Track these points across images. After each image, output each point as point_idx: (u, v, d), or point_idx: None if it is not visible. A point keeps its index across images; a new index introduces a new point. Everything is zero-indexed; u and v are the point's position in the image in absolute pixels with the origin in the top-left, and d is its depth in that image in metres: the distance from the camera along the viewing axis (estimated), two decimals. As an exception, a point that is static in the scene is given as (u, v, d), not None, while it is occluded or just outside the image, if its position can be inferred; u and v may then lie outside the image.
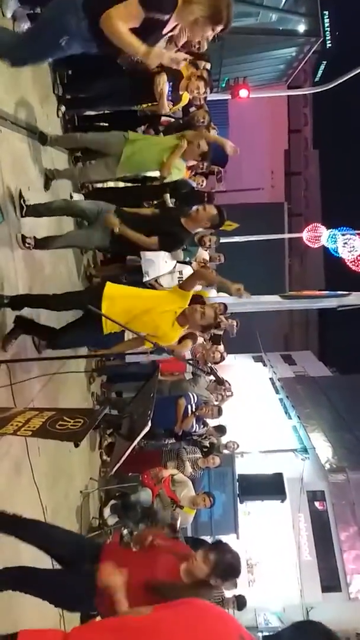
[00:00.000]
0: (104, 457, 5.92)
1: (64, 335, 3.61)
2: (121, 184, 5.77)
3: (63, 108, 4.93)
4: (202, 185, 6.50)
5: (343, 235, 14.74)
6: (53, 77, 4.81)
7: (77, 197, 5.10)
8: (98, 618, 2.26)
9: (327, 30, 17.72)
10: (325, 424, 14.12)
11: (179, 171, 4.71)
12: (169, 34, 2.83)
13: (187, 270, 5.62)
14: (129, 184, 5.79)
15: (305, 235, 16.59)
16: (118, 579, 2.27)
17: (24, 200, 3.78)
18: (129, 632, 1.59)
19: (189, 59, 4.18)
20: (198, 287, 4.94)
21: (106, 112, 5.38)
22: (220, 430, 7.42)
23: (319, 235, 16.09)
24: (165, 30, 2.59)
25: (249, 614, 9.23)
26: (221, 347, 6.78)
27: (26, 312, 3.64)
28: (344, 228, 15.03)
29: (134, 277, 5.49)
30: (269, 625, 9.62)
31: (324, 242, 15.95)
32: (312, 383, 17.92)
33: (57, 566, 3.21)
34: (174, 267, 5.64)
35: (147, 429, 2.58)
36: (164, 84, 4.53)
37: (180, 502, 5.23)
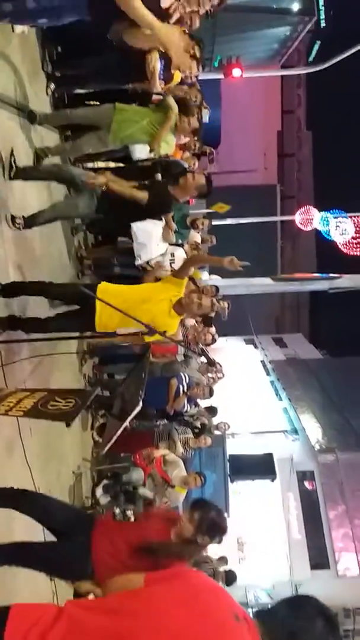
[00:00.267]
0: (96, 437, 5.96)
1: (54, 322, 3.59)
2: (112, 164, 5.71)
3: (52, 86, 4.83)
4: (194, 166, 6.45)
5: (335, 218, 14.73)
6: (42, 54, 4.71)
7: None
8: (91, 596, 2.29)
9: (321, 10, 17.41)
10: (315, 406, 14.29)
11: (167, 145, 4.67)
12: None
13: (179, 253, 5.60)
14: (120, 165, 5.73)
15: (297, 218, 16.55)
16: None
17: (14, 160, 3.72)
18: (124, 614, 1.48)
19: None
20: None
21: (96, 90, 5.30)
22: (212, 411, 7.50)
23: (311, 218, 16.07)
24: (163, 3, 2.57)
25: (239, 590, 9.43)
26: (212, 329, 6.81)
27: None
28: (336, 211, 15.01)
29: (126, 259, 5.48)
30: (259, 602, 9.85)
31: (316, 225, 15.93)
32: (303, 365, 18.07)
33: (50, 538, 3.27)
34: (166, 249, 5.62)
35: (138, 408, 2.60)
36: (155, 62, 4.46)
37: (172, 482, 5.29)
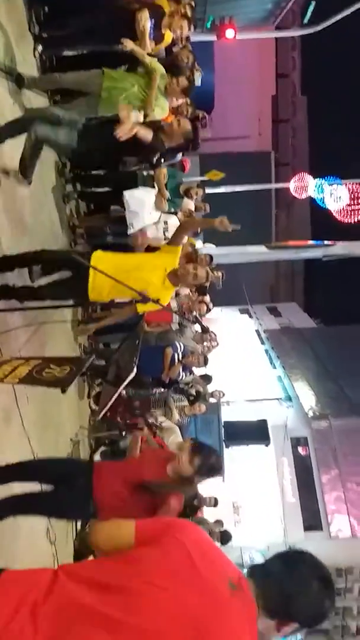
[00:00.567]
0: (93, 406, 6.03)
1: (47, 290, 3.58)
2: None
3: (40, 48, 4.69)
4: (186, 131, 6.32)
5: (330, 185, 14.56)
6: (28, 15, 4.55)
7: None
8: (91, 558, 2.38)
9: (316, -32, 16.81)
10: (309, 374, 14.44)
11: (162, 110, 4.57)
12: None
13: (173, 221, 5.56)
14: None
15: (292, 185, 16.35)
16: None
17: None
18: (115, 592, 1.37)
19: None
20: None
21: (85, 52, 5.14)
22: (206, 378, 7.58)
23: (305, 186, 15.87)
24: None
25: (234, 552, 9.73)
26: (207, 298, 6.82)
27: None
28: (331, 177, 14.83)
29: (118, 228, 5.43)
30: (254, 562, 10.17)
31: (310, 192, 15.75)
32: (297, 334, 18.18)
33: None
34: (159, 217, 5.58)
35: (132, 375, 2.63)
36: (145, 21, 4.32)
37: (168, 448, 5.39)
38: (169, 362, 6.02)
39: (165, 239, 5.19)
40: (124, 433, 5.39)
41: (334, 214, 13.79)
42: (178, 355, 6.13)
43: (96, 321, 5.25)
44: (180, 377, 6.45)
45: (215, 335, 7.59)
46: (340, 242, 9.01)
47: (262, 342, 17.28)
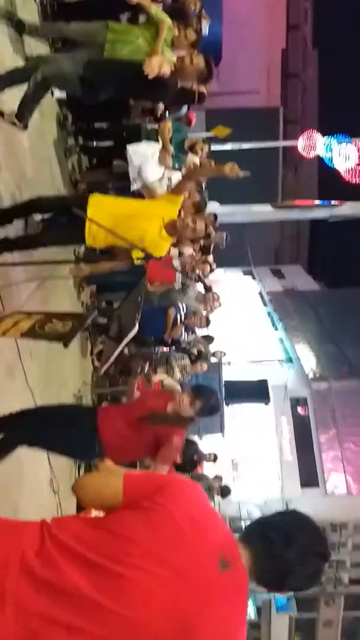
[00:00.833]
0: (96, 363, 6.09)
1: (44, 236, 3.53)
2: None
3: (40, -9, 4.48)
4: (192, 83, 6.11)
5: (339, 144, 14.15)
6: None
7: (58, 92, 4.80)
8: (94, 513, 2.45)
9: None
10: (310, 336, 14.50)
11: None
12: None
13: (177, 176, 5.43)
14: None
15: (300, 143, 15.92)
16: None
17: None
18: (101, 570, 1.30)
19: None
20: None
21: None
22: (208, 339, 7.63)
23: (314, 144, 15.44)
24: None
25: (233, 506, 10.04)
26: (210, 258, 6.77)
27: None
28: (341, 136, 14.40)
29: (121, 183, 5.33)
30: (251, 516, 10.51)
31: (319, 151, 15.34)
32: (300, 297, 18.14)
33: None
34: (163, 173, 5.46)
35: (135, 331, 2.63)
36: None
37: None
38: (172, 322, 6.04)
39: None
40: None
41: (342, 174, 13.47)
42: (181, 316, 6.13)
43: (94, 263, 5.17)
44: (183, 337, 6.49)
45: (218, 296, 7.57)
46: (347, 202, 8.84)
47: (265, 304, 17.27)
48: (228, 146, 12.64)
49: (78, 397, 5.33)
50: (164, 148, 5.24)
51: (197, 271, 6.13)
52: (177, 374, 6.21)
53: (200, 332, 7.44)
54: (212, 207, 7.22)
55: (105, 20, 4.06)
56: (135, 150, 5.10)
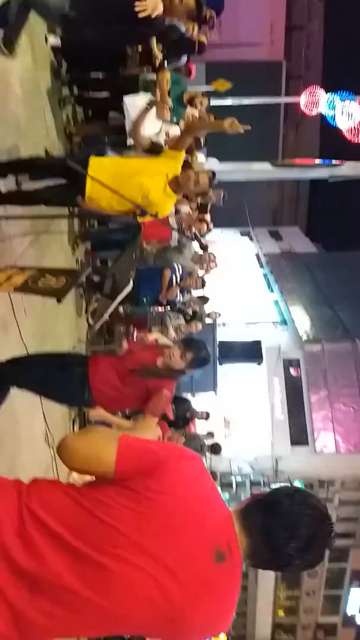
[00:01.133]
0: (90, 321, 6.09)
1: (41, 195, 3.44)
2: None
3: None
4: (192, 31, 5.86)
5: (342, 101, 13.74)
6: None
7: (53, 39, 4.60)
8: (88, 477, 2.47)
9: None
10: (305, 299, 14.51)
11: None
12: None
13: (175, 131, 5.29)
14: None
15: (302, 99, 15.45)
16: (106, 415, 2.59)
17: None
18: (83, 558, 1.21)
19: None
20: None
21: None
22: (203, 299, 7.63)
23: (317, 101, 14.99)
24: None
25: (224, 462, 10.30)
26: (207, 217, 6.68)
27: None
28: (344, 93, 13.97)
29: (117, 138, 5.18)
30: (241, 472, 10.81)
31: (321, 108, 14.91)
32: (297, 259, 18.05)
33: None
34: (161, 127, 5.30)
35: (129, 288, 2.61)
36: None
37: None
38: (167, 284, 6.01)
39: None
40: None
41: (344, 133, 13.15)
42: (176, 277, 6.10)
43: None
44: (178, 298, 6.48)
45: (214, 256, 7.52)
46: (348, 162, 8.65)
47: (261, 266, 17.19)
48: (228, 101, 12.26)
49: (84, 354, 5.34)
50: (162, 100, 5.06)
51: (194, 229, 6.05)
52: (172, 334, 6.24)
53: (196, 292, 7.42)
54: (211, 164, 7.04)
55: None
56: (132, 102, 4.94)
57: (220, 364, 9.98)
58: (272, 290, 15.27)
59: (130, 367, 2.99)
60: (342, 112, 12.73)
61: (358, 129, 11.97)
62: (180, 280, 6.14)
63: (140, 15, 3.41)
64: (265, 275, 16.46)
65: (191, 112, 5.71)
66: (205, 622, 1.27)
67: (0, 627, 1.16)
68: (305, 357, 12.10)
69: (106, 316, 2.87)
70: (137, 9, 3.39)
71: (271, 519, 1.29)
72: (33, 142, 4.22)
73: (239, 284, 14.05)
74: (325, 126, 16.94)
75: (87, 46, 4.57)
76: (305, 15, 27.20)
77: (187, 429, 6.98)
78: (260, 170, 8.63)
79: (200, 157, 6.88)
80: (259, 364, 11.52)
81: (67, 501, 1.28)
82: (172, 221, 5.86)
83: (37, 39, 4.45)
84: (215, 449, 7.01)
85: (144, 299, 6.21)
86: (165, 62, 4.87)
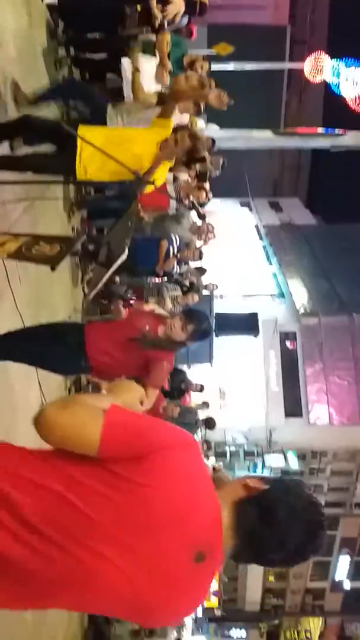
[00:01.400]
0: (86, 291, 6.05)
1: (31, 160, 3.34)
2: None
3: None
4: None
5: (347, 68, 13.40)
6: None
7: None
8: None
9: None
10: (304, 272, 14.45)
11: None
12: None
13: (173, 95, 5.15)
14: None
15: (306, 66, 15.05)
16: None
17: None
18: (49, 549, 1.13)
19: None
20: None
21: None
22: (201, 271, 7.58)
23: (321, 67, 14.61)
24: None
25: (219, 433, 10.43)
26: (207, 186, 6.56)
27: None
28: (350, 60, 13.61)
29: (114, 100, 5.04)
30: (235, 442, 10.97)
31: (326, 75, 14.54)
32: (296, 231, 17.89)
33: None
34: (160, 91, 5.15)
35: (124, 256, 2.57)
36: None
37: None
38: (164, 255, 5.94)
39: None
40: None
41: (348, 102, 12.86)
42: (173, 248, 6.04)
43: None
44: (175, 269, 6.43)
45: (212, 227, 7.43)
46: (351, 132, 8.47)
47: (261, 238, 17.05)
48: (230, 66, 11.92)
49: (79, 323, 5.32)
50: (161, 63, 4.91)
51: (191, 197, 5.95)
52: (169, 305, 6.21)
53: (193, 263, 7.36)
54: (211, 130, 6.87)
55: None
56: (130, 64, 4.79)
57: (217, 335, 9.99)
58: (270, 263, 15.18)
59: (129, 335, 2.95)
60: (347, 80, 12.44)
61: (362, 98, 11.72)
62: (177, 251, 6.07)
63: None
64: (264, 247, 16.34)
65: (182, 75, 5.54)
66: (171, 615, 1.27)
67: None
68: (301, 330, 12.12)
69: (101, 285, 2.83)
70: None
71: (263, 527, 1.21)
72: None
73: (237, 255, 13.95)
74: (329, 94, 16.56)
75: (84, 4, 4.42)
76: (312, -22, 26.24)
77: (183, 400, 7.04)
78: (261, 138, 8.44)
79: (200, 123, 6.71)
80: (255, 337, 11.55)
81: (39, 473, 1.18)
82: (170, 189, 5.75)
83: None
84: (210, 423, 7.07)
85: (141, 270, 6.16)
86: (165, 22, 4.71)
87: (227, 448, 10.86)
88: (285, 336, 11.93)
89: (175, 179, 5.88)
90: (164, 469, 1.18)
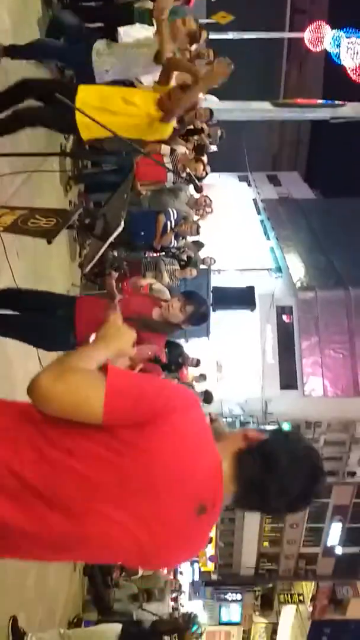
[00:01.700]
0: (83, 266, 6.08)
1: (28, 113, 3.24)
2: None
3: None
4: None
5: (348, 38, 13.13)
6: None
7: None
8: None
9: None
10: (301, 246, 14.43)
11: None
12: None
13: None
14: None
15: (307, 35, 14.74)
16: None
17: None
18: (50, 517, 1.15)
19: None
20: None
21: None
22: (198, 245, 7.59)
23: (322, 37, 14.31)
24: None
25: (215, 404, 10.60)
26: (204, 158, 6.53)
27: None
28: (351, 30, 13.33)
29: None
30: (232, 413, 11.15)
31: (326, 45, 14.26)
32: (295, 205, 17.77)
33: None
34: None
35: (120, 228, 2.60)
36: None
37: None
38: (161, 229, 5.95)
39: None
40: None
41: (349, 72, 12.65)
42: (171, 222, 6.04)
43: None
44: (172, 243, 6.45)
45: (210, 201, 7.41)
46: (350, 103, 8.35)
47: (259, 212, 16.94)
48: (229, 35, 11.67)
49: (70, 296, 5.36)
50: (158, 32, 4.83)
51: (188, 170, 5.93)
52: (166, 279, 6.25)
53: (191, 237, 7.37)
54: (210, 101, 6.78)
55: None
56: (127, 33, 4.71)
57: (214, 310, 10.04)
58: (268, 237, 15.14)
59: (123, 316, 2.94)
60: (348, 50, 12.21)
61: (363, 69, 11.52)
62: (175, 225, 6.08)
63: None
64: (262, 222, 16.26)
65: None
66: (173, 561, 1.39)
67: None
68: (298, 304, 12.19)
69: (97, 258, 2.84)
70: None
71: (266, 475, 1.23)
72: (19, 72, 4.06)
73: (235, 229, 13.89)
74: (330, 65, 16.25)
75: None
76: None
77: (180, 374, 7.15)
78: (260, 109, 8.33)
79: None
80: (252, 311, 11.62)
81: (34, 437, 1.16)
82: (167, 161, 5.73)
83: None
84: (207, 397, 7.18)
85: (138, 245, 6.18)
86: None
87: (223, 419, 11.06)
88: (281, 310, 12.01)
89: (172, 151, 5.85)
90: (167, 433, 1.18)
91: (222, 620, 17.39)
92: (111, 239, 2.60)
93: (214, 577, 16.33)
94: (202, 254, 8.19)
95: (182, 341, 7.90)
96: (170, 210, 6.09)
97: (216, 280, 10.96)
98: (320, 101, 10.52)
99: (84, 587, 6.70)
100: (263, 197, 18.23)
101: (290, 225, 15.74)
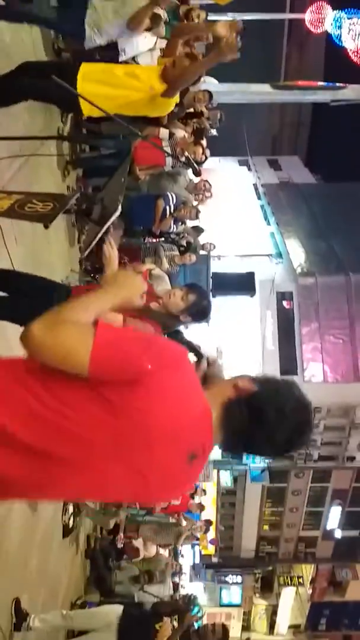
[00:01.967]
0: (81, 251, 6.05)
1: (26, 80, 3.17)
2: None
3: None
4: None
5: (349, 19, 12.92)
6: None
7: None
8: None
9: None
10: (302, 231, 14.35)
11: None
12: None
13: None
14: None
15: (308, 16, 14.51)
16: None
17: None
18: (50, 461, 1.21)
19: None
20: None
21: None
22: (198, 230, 7.56)
23: (323, 18, 14.09)
24: None
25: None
26: (204, 142, 6.48)
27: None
28: (352, 10, 13.11)
29: (109, 53, 4.91)
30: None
31: (327, 26, 14.04)
32: (295, 190, 17.63)
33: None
34: (155, 43, 5.01)
35: (118, 212, 2.58)
36: None
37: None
38: (160, 214, 5.91)
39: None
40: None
41: (350, 54, 12.47)
42: (170, 207, 6.00)
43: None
44: (172, 229, 6.41)
45: (209, 185, 7.36)
46: (351, 86, 8.24)
47: (259, 197, 16.81)
48: (228, 16, 11.46)
49: (66, 283, 5.35)
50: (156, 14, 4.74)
51: (187, 154, 5.88)
52: (165, 265, 6.23)
53: (190, 223, 7.33)
54: (210, 83, 6.68)
55: None
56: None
57: (214, 296, 10.03)
58: (268, 223, 15.04)
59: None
60: (349, 32, 12.02)
61: (364, 50, 11.35)
62: (174, 210, 6.05)
63: None
64: (262, 207, 16.14)
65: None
66: (167, 499, 1.54)
67: None
68: (298, 290, 12.16)
69: (94, 243, 2.82)
70: None
71: (251, 427, 1.27)
72: (19, 59, 4.00)
73: (235, 215, 13.80)
74: (331, 46, 16.00)
75: None
76: None
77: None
78: (260, 91, 8.21)
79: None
80: (252, 297, 11.60)
81: (29, 401, 1.18)
82: (165, 145, 5.68)
83: None
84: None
85: (137, 230, 6.15)
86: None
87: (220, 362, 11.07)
88: (282, 296, 11.99)
89: (171, 135, 5.79)
90: (158, 391, 1.19)
91: (223, 602, 17.65)
92: (109, 223, 2.58)
93: (214, 559, 16.55)
94: (202, 239, 8.15)
95: (182, 327, 7.91)
96: (169, 194, 6.05)
97: (216, 266, 10.93)
98: (321, 83, 10.38)
99: (85, 569, 6.79)
100: (263, 181, 18.09)
101: (291, 211, 15.64)
